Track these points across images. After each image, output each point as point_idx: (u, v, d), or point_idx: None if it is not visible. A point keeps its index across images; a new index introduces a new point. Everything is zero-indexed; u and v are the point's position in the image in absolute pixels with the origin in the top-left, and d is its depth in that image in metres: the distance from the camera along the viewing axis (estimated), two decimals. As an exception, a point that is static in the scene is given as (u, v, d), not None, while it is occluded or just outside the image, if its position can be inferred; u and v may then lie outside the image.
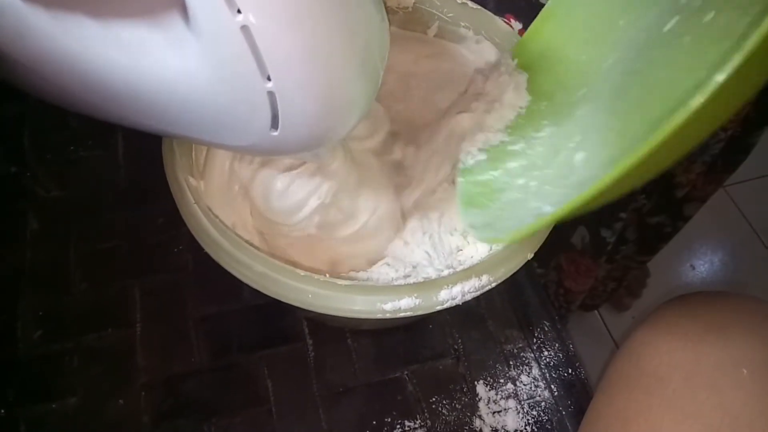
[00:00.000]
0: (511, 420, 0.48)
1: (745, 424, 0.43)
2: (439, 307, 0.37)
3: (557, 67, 0.45)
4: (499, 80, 0.47)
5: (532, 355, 0.51)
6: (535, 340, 0.52)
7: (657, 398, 0.46)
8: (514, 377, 0.50)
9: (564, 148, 0.39)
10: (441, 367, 0.49)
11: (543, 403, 0.49)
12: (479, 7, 0.52)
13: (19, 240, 0.51)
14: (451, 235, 0.45)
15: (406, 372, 0.49)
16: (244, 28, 0.28)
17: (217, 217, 0.39)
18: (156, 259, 0.52)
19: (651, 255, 1.01)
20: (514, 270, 0.39)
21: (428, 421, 0.47)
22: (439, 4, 0.51)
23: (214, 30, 0.29)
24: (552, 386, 0.49)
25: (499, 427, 0.47)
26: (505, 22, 0.52)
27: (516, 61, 0.47)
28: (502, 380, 0.49)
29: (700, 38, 0.32)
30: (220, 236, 0.38)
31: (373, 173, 0.46)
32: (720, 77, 0.25)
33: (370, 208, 0.45)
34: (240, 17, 0.27)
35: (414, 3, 0.51)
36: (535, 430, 0.47)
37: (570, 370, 0.50)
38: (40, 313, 0.48)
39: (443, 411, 0.47)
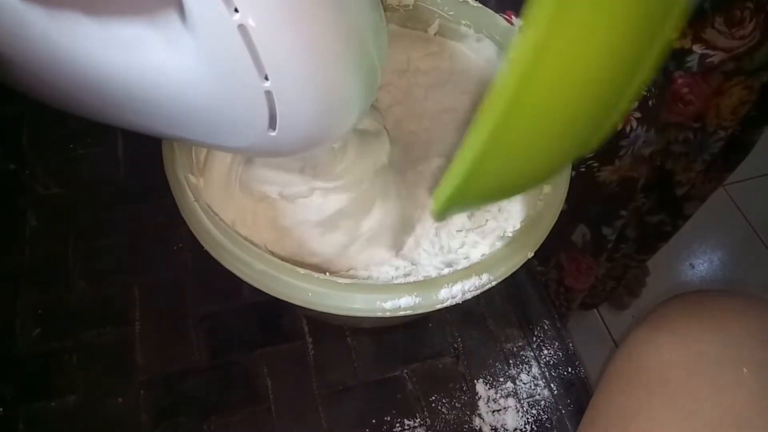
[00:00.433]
0: (511, 419, 0.47)
1: (745, 422, 0.43)
2: (439, 306, 0.37)
3: None
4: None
5: (532, 353, 0.51)
6: (534, 338, 0.52)
7: (657, 397, 0.46)
8: (513, 376, 0.49)
9: None
10: (441, 366, 0.49)
11: (543, 402, 0.49)
12: (480, 5, 0.52)
13: (19, 237, 0.51)
14: (452, 233, 0.45)
15: (405, 370, 0.49)
16: (241, 27, 0.27)
17: (216, 214, 0.39)
18: (155, 256, 0.51)
19: (651, 254, 1.01)
20: (515, 268, 0.39)
21: (428, 419, 0.47)
22: (440, 2, 0.51)
23: (211, 29, 0.29)
24: (552, 385, 0.49)
25: (498, 425, 0.47)
26: (506, 18, 0.52)
27: None
28: (501, 379, 0.49)
29: None
30: (219, 234, 0.38)
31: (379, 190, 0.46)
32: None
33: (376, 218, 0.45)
34: (237, 16, 0.27)
35: (415, 1, 0.51)
36: (535, 428, 0.47)
37: (570, 369, 0.50)
38: (40, 311, 0.48)
39: (443, 410, 0.47)
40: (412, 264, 0.44)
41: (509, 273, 0.39)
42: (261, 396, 0.47)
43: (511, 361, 0.50)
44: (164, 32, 0.31)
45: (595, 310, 1.35)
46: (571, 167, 0.43)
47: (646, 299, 1.31)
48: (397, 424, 0.46)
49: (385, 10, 0.52)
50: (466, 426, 0.47)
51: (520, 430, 0.47)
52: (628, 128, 0.68)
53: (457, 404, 0.48)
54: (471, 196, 0.33)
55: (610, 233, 0.84)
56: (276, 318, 0.50)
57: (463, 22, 0.52)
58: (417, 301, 0.36)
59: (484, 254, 0.42)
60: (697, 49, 0.64)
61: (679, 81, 0.67)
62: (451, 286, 0.37)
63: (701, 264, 1.45)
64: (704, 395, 0.44)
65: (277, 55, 0.29)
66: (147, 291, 0.50)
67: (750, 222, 1.52)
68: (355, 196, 0.44)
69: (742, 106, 0.72)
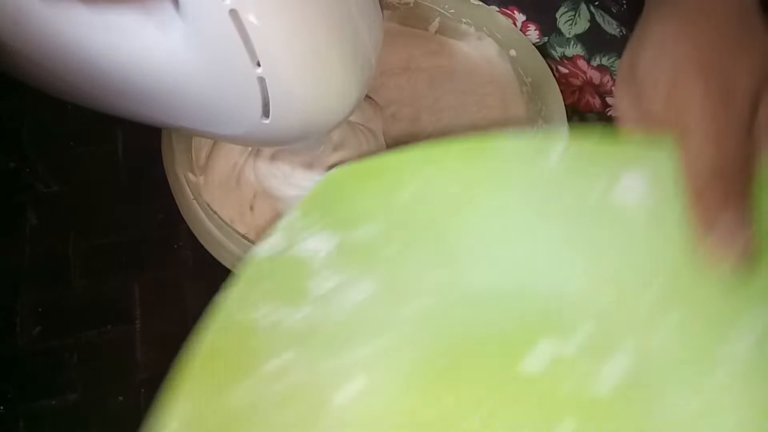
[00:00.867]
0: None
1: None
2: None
3: None
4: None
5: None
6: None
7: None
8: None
9: None
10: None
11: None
12: (481, 2, 0.52)
13: (18, 235, 0.51)
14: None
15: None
16: (233, 12, 0.27)
17: (216, 213, 0.39)
18: (156, 255, 0.51)
19: None
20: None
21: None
22: (440, -1, 0.51)
23: (203, 14, 0.28)
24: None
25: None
26: (508, 14, 0.52)
27: None
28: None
29: None
30: (218, 232, 0.38)
31: None
32: None
33: None
34: (228, 1, 0.27)
35: (415, -1, 0.51)
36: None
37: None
38: (40, 309, 0.48)
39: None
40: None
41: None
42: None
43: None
44: (156, 17, 0.31)
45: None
46: None
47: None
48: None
49: (385, 8, 0.52)
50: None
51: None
52: None
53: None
54: None
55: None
56: (276, 316, 0.50)
57: (464, 20, 0.52)
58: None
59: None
60: None
61: None
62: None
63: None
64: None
65: (269, 40, 0.29)
66: (148, 289, 0.50)
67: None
68: None
69: None
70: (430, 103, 0.51)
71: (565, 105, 0.47)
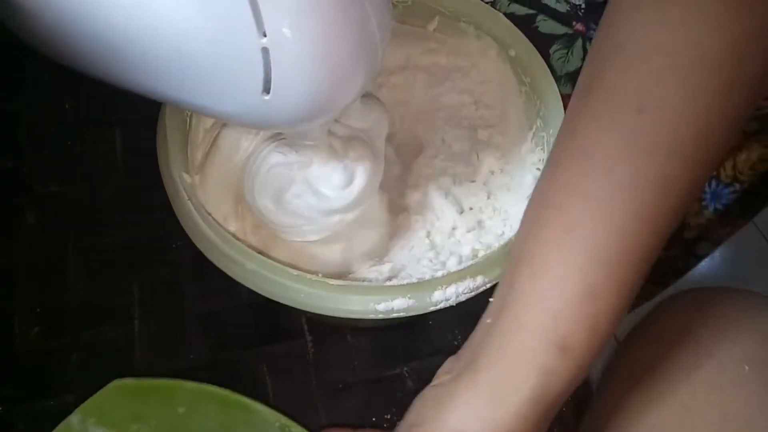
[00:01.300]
0: (510, 417, 0.47)
1: (745, 421, 0.43)
2: (432, 308, 0.37)
3: None
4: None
5: (532, 351, 0.50)
6: (535, 336, 0.51)
7: (657, 394, 0.46)
8: (513, 374, 0.49)
9: None
10: (440, 364, 0.49)
11: (542, 400, 0.48)
12: (479, 1, 0.51)
13: (16, 235, 0.51)
14: (444, 234, 0.45)
15: (405, 369, 0.49)
16: None
17: (209, 214, 0.39)
18: (154, 254, 0.51)
19: (662, 287, 0.99)
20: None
21: (427, 418, 0.47)
22: (439, -2, 0.51)
23: None
24: (552, 383, 0.49)
25: (497, 424, 0.47)
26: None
27: None
28: (501, 377, 0.49)
29: None
30: (212, 233, 0.38)
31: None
32: None
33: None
34: None
35: (414, -3, 0.51)
36: (534, 427, 0.47)
37: (570, 367, 0.50)
38: (38, 309, 0.48)
39: (442, 408, 0.47)
40: (405, 264, 0.44)
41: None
42: (260, 394, 0.46)
43: (510, 359, 0.50)
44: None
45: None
46: None
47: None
48: (397, 422, 0.46)
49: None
50: (465, 424, 0.47)
51: (519, 428, 0.47)
52: None
53: (456, 403, 0.48)
54: None
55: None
56: (275, 316, 0.50)
57: (463, 18, 0.51)
58: (410, 304, 0.36)
59: (479, 256, 0.42)
60: None
61: None
62: (445, 288, 0.37)
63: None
64: (705, 393, 0.44)
65: (279, 10, 0.28)
66: (146, 289, 0.50)
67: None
68: None
69: (762, 164, 0.69)
70: (428, 101, 0.51)
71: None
